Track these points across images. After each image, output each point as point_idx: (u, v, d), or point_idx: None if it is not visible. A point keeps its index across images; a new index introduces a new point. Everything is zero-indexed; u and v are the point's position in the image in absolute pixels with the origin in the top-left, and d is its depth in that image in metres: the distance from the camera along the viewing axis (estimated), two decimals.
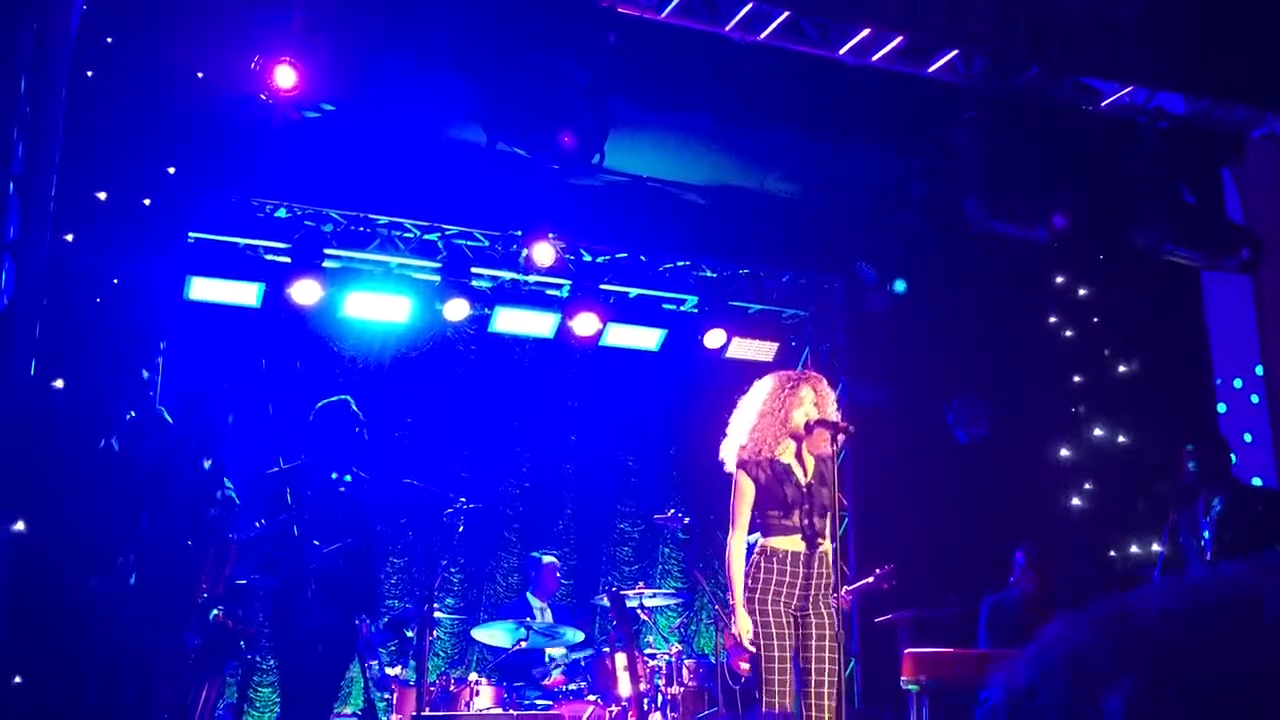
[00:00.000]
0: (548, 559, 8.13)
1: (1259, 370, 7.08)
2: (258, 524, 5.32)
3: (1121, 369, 8.54)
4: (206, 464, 5.16)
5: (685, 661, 7.31)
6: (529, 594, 8.03)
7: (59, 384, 4.51)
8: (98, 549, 4.31)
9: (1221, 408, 7.42)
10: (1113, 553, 8.36)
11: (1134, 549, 8.18)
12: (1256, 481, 6.95)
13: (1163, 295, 7.74)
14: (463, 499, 7.08)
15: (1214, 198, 6.61)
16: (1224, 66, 6.25)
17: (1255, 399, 7.15)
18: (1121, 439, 8.51)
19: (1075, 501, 8.61)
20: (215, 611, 4.69)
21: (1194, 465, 6.02)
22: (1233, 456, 6.41)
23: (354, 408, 5.85)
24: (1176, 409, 7.91)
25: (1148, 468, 7.83)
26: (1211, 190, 6.60)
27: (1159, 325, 8.09)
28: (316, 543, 5.43)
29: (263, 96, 5.50)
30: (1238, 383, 7.31)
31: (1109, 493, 8.48)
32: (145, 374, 4.71)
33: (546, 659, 7.55)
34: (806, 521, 4.87)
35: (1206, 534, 5.96)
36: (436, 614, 7.12)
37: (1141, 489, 7.87)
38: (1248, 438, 7.16)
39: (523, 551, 8.84)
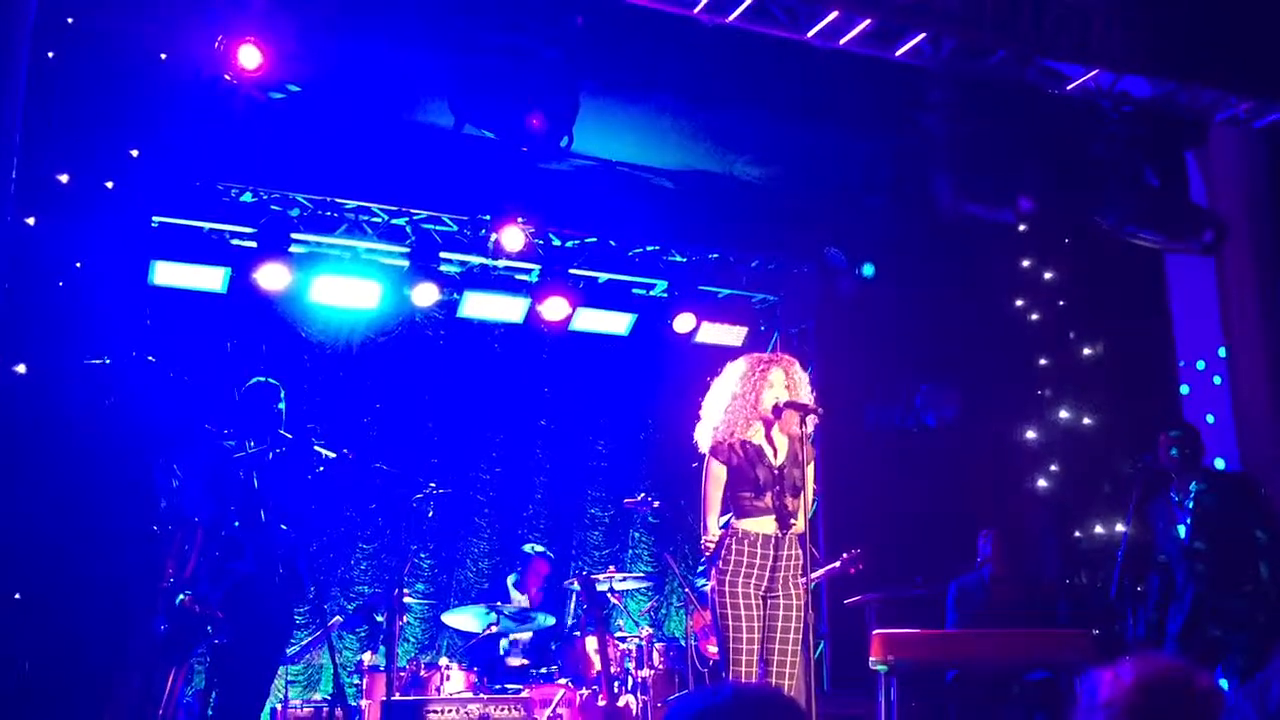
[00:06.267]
0: (536, 550, 8.08)
1: (1221, 352, 7.15)
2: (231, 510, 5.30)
3: (1086, 351, 8.61)
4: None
5: (655, 645, 7.35)
6: (512, 586, 7.97)
7: (21, 369, 4.46)
8: (63, 535, 4.27)
9: (1185, 389, 7.50)
10: (1077, 533, 8.45)
11: (1098, 530, 8.26)
12: (1219, 463, 7.04)
13: (1127, 278, 7.80)
14: (433, 484, 7.06)
15: (1178, 181, 6.68)
16: (1188, 50, 6.29)
17: (1218, 380, 7.22)
18: (1087, 421, 8.59)
19: (1041, 483, 8.69)
20: (181, 596, 4.66)
21: (1176, 451, 6.08)
22: (1201, 441, 6.49)
23: (273, 383, 5.83)
24: (1141, 391, 7.99)
25: (1113, 449, 7.92)
26: (1175, 173, 6.67)
27: (1123, 308, 8.17)
28: (284, 526, 5.41)
29: (227, 77, 5.44)
30: (1201, 365, 7.38)
31: (1074, 474, 8.56)
32: (106, 360, 4.66)
33: (509, 644, 7.56)
34: (779, 503, 4.90)
35: (1188, 520, 6.06)
36: (406, 599, 7.12)
37: (1106, 470, 7.96)
38: (1210, 419, 7.23)
39: (493, 537, 8.85)
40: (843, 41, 5.96)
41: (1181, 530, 6.05)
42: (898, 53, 6.09)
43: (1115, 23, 6.07)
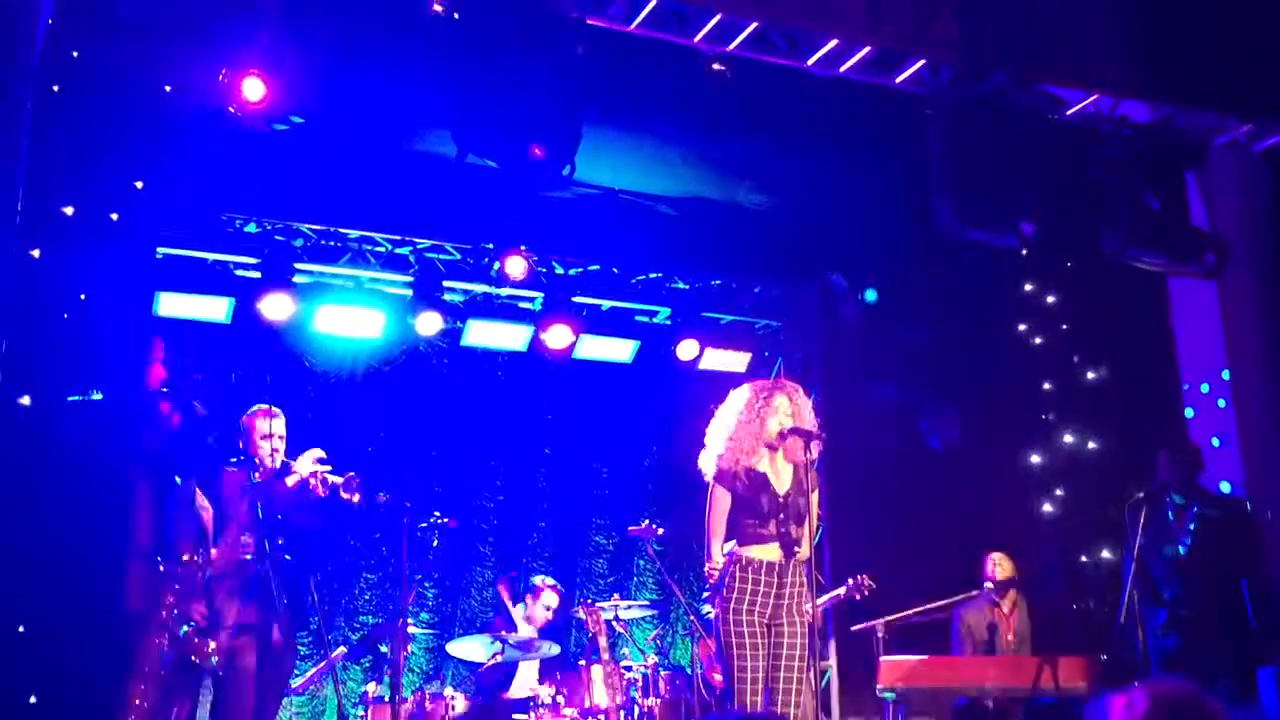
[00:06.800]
0: (547, 584, 7.99)
1: (1225, 375, 7.15)
2: (245, 539, 5.31)
3: (1090, 375, 8.61)
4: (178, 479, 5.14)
5: (662, 673, 7.31)
6: (521, 619, 7.89)
7: (25, 401, 4.47)
8: (66, 561, 4.27)
9: (1189, 412, 7.48)
10: (1084, 558, 8.42)
11: (1105, 554, 8.24)
12: (1225, 486, 7.02)
13: (1130, 301, 7.81)
14: (436, 513, 7.05)
15: (1178, 204, 6.69)
16: (1187, 75, 6.32)
17: (1222, 403, 7.21)
18: (1091, 445, 8.57)
19: (1046, 507, 8.67)
20: (185, 628, 4.65)
21: (1176, 470, 6.10)
22: (1202, 459, 6.51)
23: (275, 410, 5.88)
24: (1145, 414, 7.98)
25: (1118, 473, 7.90)
26: (1176, 196, 6.68)
27: (1127, 331, 8.17)
28: (289, 558, 5.41)
29: (231, 110, 5.47)
30: (1205, 387, 7.37)
31: (1079, 498, 8.54)
32: (97, 395, 4.66)
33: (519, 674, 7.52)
34: (783, 530, 4.90)
35: (1187, 539, 6.05)
36: (411, 629, 7.09)
37: (1112, 494, 7.94)
38: (1215, 442, 7.21)
39: (497, 565, 8.82)
40: (843, 69, 5.99)
41: (1181, 549, 6.05)
42: (898, 79, 6.12)
43: (1113, 48, 6.10)
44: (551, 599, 7.87)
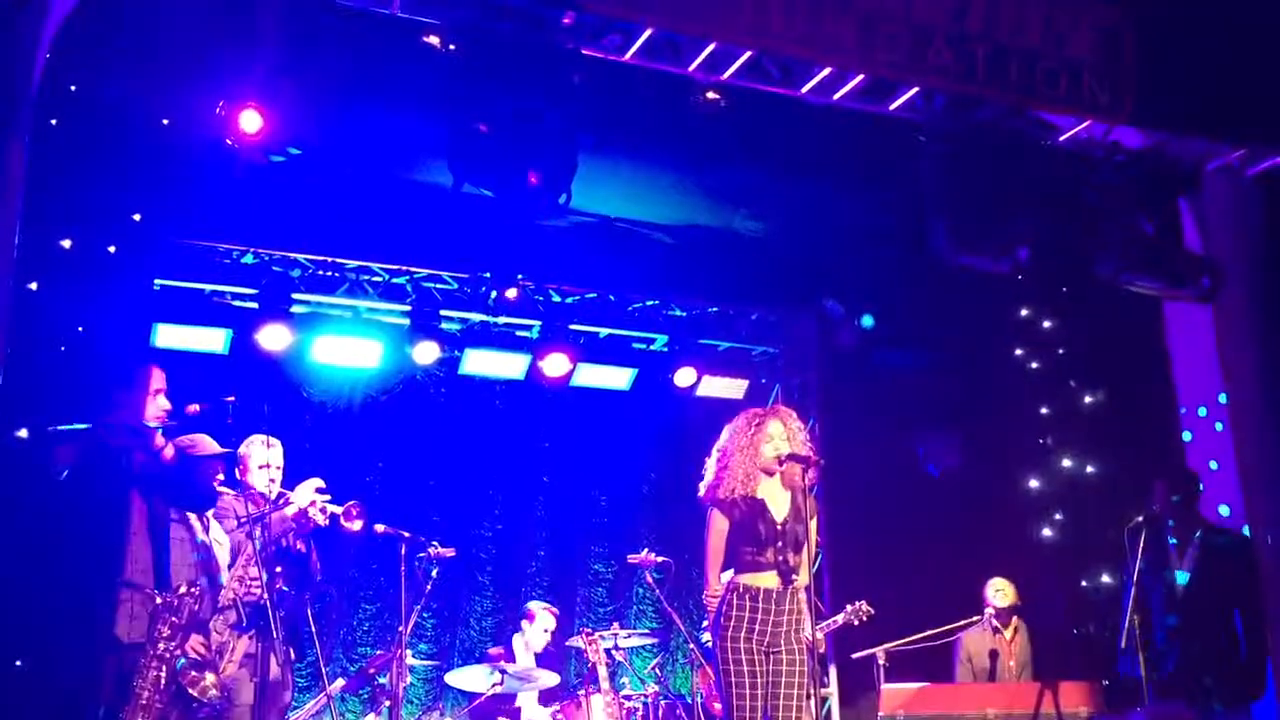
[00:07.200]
0: (545, 609, 7.94)
1: (1222, 398, 7.15)
2: (253, 571, 5.30)
3: (1087, 399, 8.62)
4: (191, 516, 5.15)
5: (662, 702, 7.27)
6: (521, 646, 7.84)
7: (22, 434, 4.46)
8: (58, 592, 4.26)
9: (1187, 436, 7.49)
10: (1084, 583, 8.40)
11: (1105, 578, 8.22)
12: (1223, 510, 7.02)
13: (1125, 326, 7.83)
14: (435, 543, 7.03)
15: (1172, 228, 6.71)
16: (1179, 101, 6.36)
17: (1219, 426, 7.21)
18: (1090, 469, 8.57)
19: (1046, 532, 8.66)
20: (182, 661, 4.63)
21: (1174, 498, 6.12)
22: (1200, 486, 6.51)
23: (274, 442, 5.91)
24: (1143, 438, 7.98)
25: (1117, 497, 7.89)
26: (1170, 221, 6.71)
27: (1123, 355, 8.19)
28: (288, 589, 5.39)
29: (228, 141, 5.50)
30: (1202, 411, 7.37)
31: (1079, 523, 8.53)
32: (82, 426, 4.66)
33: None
34: (781, 558, 4.89)
35: (1192, 566, 6.05)
36: (409, 660, 7.05)
37: (1111, 518, 7.93)
38: (1213, 465, 7.21)
39: (496, 595, 8.79)
40: (836, 97, 6.02)
41: (1182, 577, 6.04)
42: (891, 107, 6.15)
43: (1105, 75, 6.14)
44: (549, 620, 7.83)
